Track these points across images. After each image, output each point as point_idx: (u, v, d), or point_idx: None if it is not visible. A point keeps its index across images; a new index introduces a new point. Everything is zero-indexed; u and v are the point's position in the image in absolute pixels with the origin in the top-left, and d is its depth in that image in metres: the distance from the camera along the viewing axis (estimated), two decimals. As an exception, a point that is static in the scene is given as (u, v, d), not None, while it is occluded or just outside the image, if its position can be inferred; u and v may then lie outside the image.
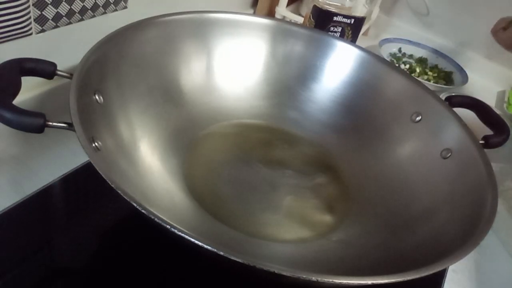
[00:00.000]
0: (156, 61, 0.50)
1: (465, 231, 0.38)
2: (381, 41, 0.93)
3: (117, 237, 0.43)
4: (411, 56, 0.94)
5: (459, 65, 0.92)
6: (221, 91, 0.57)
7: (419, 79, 0.76)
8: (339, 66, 0.59)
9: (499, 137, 0.49)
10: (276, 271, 0.28)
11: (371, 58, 0.58)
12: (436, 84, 0.83)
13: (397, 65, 0.89)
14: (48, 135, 0.36)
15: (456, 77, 0.89)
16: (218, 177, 0.50)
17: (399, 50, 0.95)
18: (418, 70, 0.88)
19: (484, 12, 0.94)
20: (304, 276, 0.28)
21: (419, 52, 0.95)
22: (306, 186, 0.51)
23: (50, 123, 0.34)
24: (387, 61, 0.59)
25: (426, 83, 0.80)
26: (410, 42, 0.96)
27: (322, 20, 0.67)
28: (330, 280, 0.29)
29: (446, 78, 0.89)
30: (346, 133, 0.57)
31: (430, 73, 0.88)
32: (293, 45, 0.59)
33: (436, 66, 0.92)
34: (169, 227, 0.28)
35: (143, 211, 0.29)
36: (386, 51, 0.92)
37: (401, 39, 0.96)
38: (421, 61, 0.93)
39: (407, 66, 0.90)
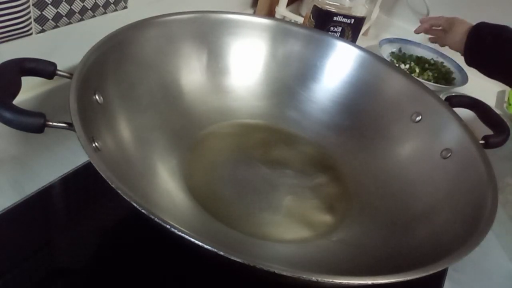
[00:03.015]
0: (156, 61, 0.50)
1: (465, 231, 0.38)
2: (381, 41, 0.93)
3: (117, 237, 0.43)
4: (411, 56, 0.94)
5: (459, 65, 0.92)
6: (221, 91, 0.57)
7: (419, 79, 0.76)
8: (339, 66, 0.59)
9: (499, 137, 0.49)
10: (276, 271, 0.28)
11: (371, 58, 0.58)
12: (436, 84, 0.83)
13: (397, 65, 0.89)
14: (48, 135, 0.36)
15: (456, 77, 0.89)
16: (218, 177, 0.50)
17: (399, 50, 0.95)
18: (418, 70, 0.88)
19: (484, 12, 0.94)
20: (304, 276, 0.28)
21: (419, 52, 0.95)
22: (306, 186, 0.51)
23: (50, 123, 0.34)
24: (387, 61, 0.59)
25: (426, 83, 0.80)
26: (410, 42, 0.96)
27: (322, 20, 0.67)
28: (330, 280, 0.29)
29: (446, 78, 0.89)
30: (346, 133, 0.57)
31: (430, 73, 0.89)
32: (293, 45, 0.59)
33: (436, 66, 0.92)
34: (169, 227, 0.28)
35: (143, 211, 0.29)
36: (386, 51, 0.92)
37: (401, 39, 0.96)
38: (421, 61, 0.93)
39: (407, 66, 0.90)
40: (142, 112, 0.47)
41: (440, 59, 0.94)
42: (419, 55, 0.94)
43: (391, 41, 0.95)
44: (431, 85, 0.82)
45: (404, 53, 0.95)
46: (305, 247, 0.45)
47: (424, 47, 0.96)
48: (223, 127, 0.56)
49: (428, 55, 0.95)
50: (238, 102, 0.58)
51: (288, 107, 0.59)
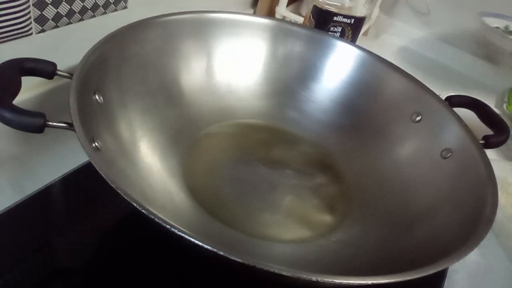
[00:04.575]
0: (156, 61, 0.50)
1: (465, 231, 0.38)
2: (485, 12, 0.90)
3: (117, 237, 0.43)
4: None
5: None
6: (221, 91, 0.57)
7: None
8: (339, 66, 0.59)
9: (499, 137, 0.49)
10: (276, 271, 0.28)
11: (371, 58, 0.58)
12: None
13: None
14: (48, 135, 0.36)
15: None
16: (218, 177, 0.50)
17: (506, 27, 0.91)
18: None
19: (485, 12, 0.94)
20: (304, 276, 0.28)
21: None
22: (306, 186, 0.51)
23: (50, 123, 0.34)
24: (387, 61, 0.59)
25: None
26: None
27: (322, 20, 0.67)
28: (330, 280, 0.29)
29: None
30: (346, 133, 0.57)
31: None
32: (293, 45, 0.59)
33: None
34: (169, 227, 0.28)
35: (143, 211, 0.29)
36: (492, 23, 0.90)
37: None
38: None
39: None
40: (142, 112, 0.47)
41: None
42: None
43: (496, 15, 0.91)
44: None
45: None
46: (305, 247, 0.45)
47: None
48: (223, 127, 0.56)
49: None
50: (238, 102, 0.58)
51: (288, 107, 0.59)
